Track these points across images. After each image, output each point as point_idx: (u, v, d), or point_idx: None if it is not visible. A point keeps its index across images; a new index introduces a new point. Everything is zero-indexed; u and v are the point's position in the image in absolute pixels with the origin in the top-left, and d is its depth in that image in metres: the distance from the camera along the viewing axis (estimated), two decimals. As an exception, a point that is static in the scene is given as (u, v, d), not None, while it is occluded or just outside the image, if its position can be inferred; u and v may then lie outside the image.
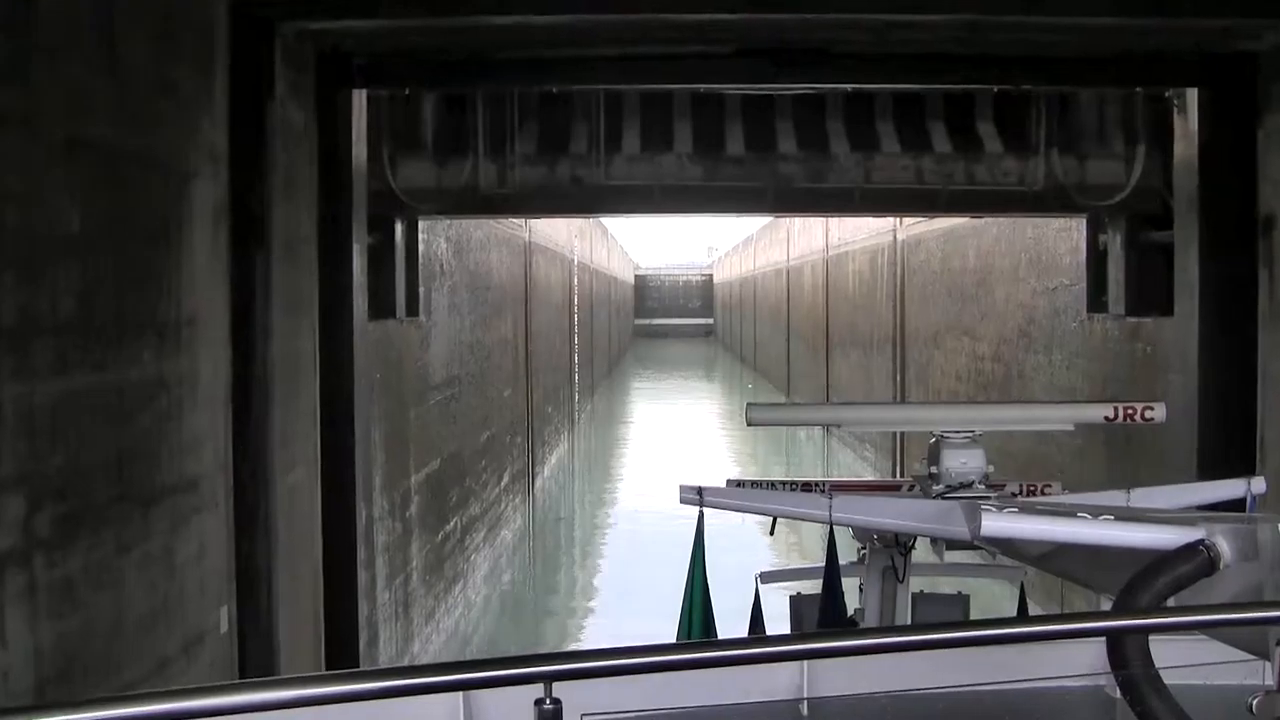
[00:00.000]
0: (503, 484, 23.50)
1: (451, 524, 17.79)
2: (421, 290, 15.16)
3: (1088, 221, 15.37)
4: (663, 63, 11.79)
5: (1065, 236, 16.90)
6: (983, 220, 21.03)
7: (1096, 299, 15.38)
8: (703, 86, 13.07)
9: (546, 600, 23.34)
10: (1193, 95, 12.51)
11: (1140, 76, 12.60)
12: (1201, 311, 12.27)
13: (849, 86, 13.10)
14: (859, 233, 34.58)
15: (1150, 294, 14.19)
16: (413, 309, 14.78)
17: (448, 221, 17.41)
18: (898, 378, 28.53)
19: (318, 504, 10.82)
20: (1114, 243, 14.66)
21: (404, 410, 14.61)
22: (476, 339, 20.34)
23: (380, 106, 13.31)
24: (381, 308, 13.52)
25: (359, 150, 11.97)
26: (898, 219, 28.56)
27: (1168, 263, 13.72)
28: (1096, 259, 15.28)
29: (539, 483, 29.55)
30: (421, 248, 15.14)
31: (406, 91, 13.00)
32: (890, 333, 29.21)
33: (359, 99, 11.95)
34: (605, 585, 24.00)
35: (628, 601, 21.04)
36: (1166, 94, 13.12)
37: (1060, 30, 10.87)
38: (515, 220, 25.65)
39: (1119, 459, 14.80)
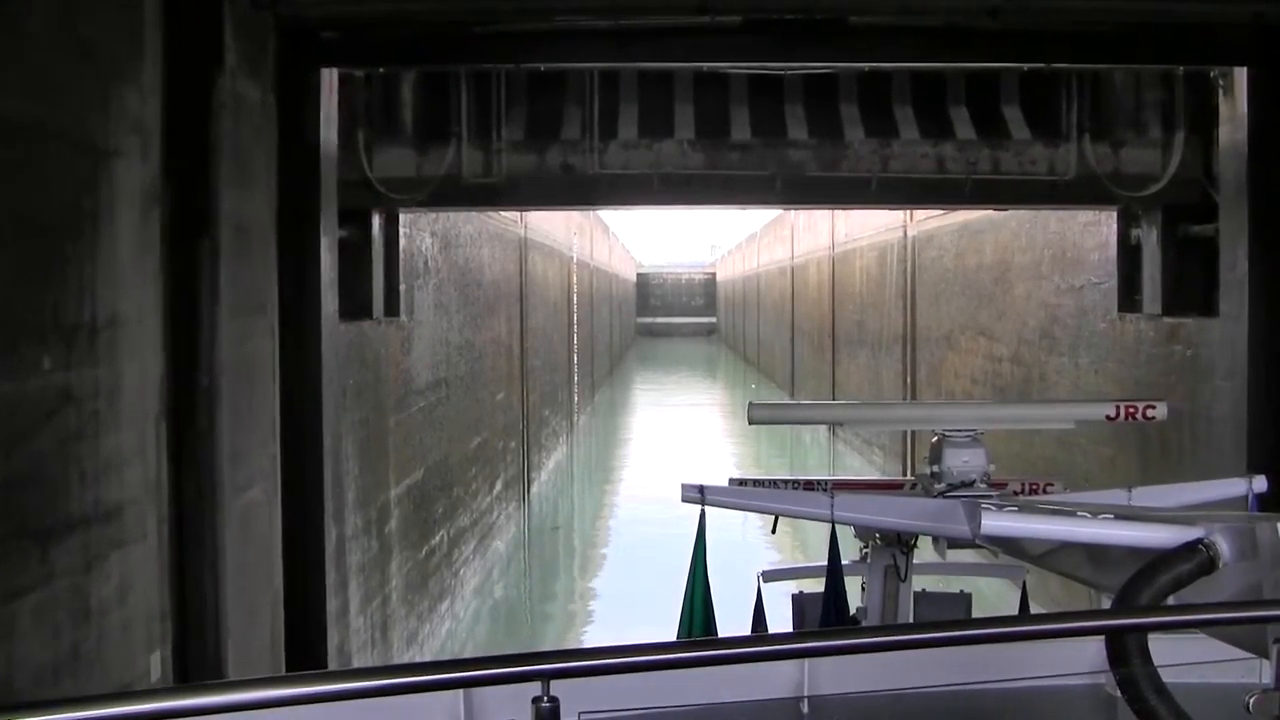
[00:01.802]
0: (495, 492, 22.41)
1: (438, 537, 16.70)
2: (403, 288, 14.09)
3: (1119, 214, 14.34)
4: (661, 37, 10.71)
5: (1093, 231, 15.82)
6: (1001, 214, 19.95)
7: (1129, 298, 14.35)
8: (706, 65, 11.99)
9: (542, 611, 22.30)
10: (1241, 75, 11.51)
11: (1184, 53, 11.55)
12: (1252, 311, 11.30)
13: (866, 65, 12.00)
14: (866, 229, 33.51)
15: (1189, 292, 13.20)
16: (392, 308, 13.73)
17: (433, 215, 16.33)
18: (908, 379, 27.44)
19: (278, 525, 9.75)
20: (1149, 237, 13.63)
21: (382, 418, 13.51)
22: (466, 340, 19.23)
23: (355, 88, 12.30)
24: (356, 307, 12.49)
25: (328, 134, 10.94)
26: (908, 214, 27.53)
27: (1208, 258, 12.77)
28: (1128, 255, 14.26)
29: (535, 489, 28.46)
30: (403, 242, 14.07)
31: (381, 71, 11.92)
32: (900, 332, 28.13)
33: (329, 78, 10.92)
34: (604, 595, 23.00)
35: (627, 611, 20.20)
36: (1211, 74, 12.09)
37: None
38: (509, 215, 24.58)
39: (1154, 469, 13.72)
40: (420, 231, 15.47)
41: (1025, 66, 11.94)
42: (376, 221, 12.99)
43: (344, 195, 11.71)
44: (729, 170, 12.93)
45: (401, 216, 13.84)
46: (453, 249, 17.92)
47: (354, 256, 12.50)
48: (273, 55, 9.61)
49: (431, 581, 16.26)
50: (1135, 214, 13.88)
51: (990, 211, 20.65)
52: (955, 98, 13.37)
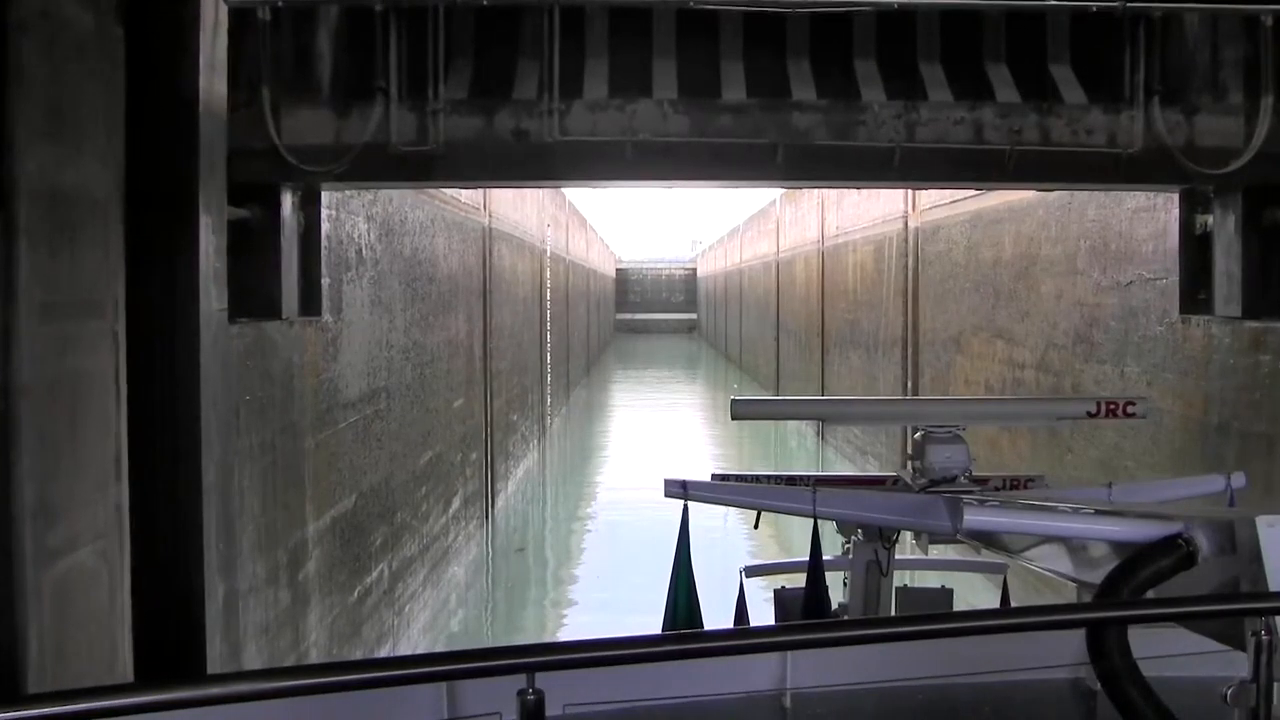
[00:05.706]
0: (451, 511, 19.98)
1: (375, 573, 14.29)
2: (326, 282, 11.72)
3: (1181, 198, 12.07)
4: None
5: (1145, 218, 13.51)
6: (1024, 202, 17.66)
7: (1193, 297, 12.09)
8: (692, 2, 9.59)
9: (508, 640, 19.92)
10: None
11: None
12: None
13: (895, 1, 9.63)
14: (860, 220, 31.22)
15: (1277, 290, 10.94)
16: (312, 306, 11.36)
17: (371, 197, 13.93)
18: (909, 384, 25.12)
19: (124, 595, 7.37)
20: (1224, 224, 11.38)
21: (295, 439, 11.09)
22: (413, 341, 16.81)
23: (260, 33, 9.94)
24: (259, 305, 10.17)
25: (212, 85, 8.57)
26: (909, 204, 25.23)
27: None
28: (1193, 245, 12.01)
29: (500, 503, 26.04)
30: (327, 227, 11.72)
31: (281, 3, 9.51)
32: (900, 333, 25.81)
33: (212, 10, 8.56)
34: (576, 624, 20.67)
35: (608, 632, 17.78)
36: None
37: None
38: (471, 203, 22.15)
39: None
40: (352, 215, 13.07)
41: (1094, 6, 9.58)
42: (288, 200, 10.62)
43: (243, 166, 9.48)
44: (720, 138, 10.54)
45: (325, 196, 11.50)
46: (396, 237, 15.51)
47: (256, 243, 10.19)
48: (120, -30, 7.24)
49: (367, 627, 13.84)
50: (1205, 196, 11.61)
51: (1009, 198, 18.40)
52: (994, 53, 11.06)
